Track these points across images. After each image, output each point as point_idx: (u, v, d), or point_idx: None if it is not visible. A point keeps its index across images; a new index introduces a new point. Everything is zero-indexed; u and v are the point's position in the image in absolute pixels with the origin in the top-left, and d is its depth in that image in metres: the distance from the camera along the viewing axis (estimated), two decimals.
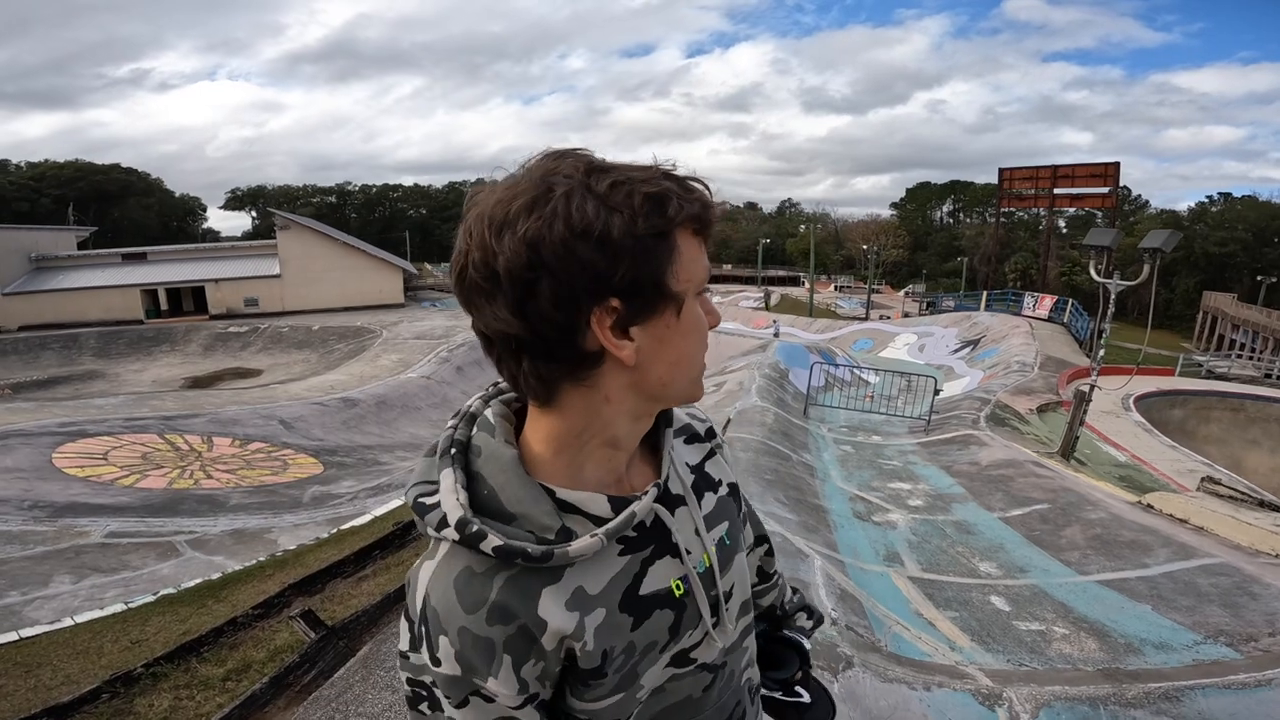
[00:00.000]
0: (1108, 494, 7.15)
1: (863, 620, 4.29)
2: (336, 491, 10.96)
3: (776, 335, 26.97)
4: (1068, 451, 9.20)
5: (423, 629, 0.68)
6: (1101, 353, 9.66)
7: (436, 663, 0.67)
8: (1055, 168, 36.22)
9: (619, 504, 0.72)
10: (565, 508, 0.70)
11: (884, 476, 8.44)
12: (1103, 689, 3.37)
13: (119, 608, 5.39)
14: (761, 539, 1.10)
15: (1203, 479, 8.05)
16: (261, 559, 6.79)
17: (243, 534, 8.50)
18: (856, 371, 16.56)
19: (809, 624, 1.16)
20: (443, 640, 0.66)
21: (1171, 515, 6.30)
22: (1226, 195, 68.35)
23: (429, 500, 0.70)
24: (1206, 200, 69.49)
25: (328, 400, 16.77)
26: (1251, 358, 31.29)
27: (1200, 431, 15.54)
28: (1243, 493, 7.28)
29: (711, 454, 0.91)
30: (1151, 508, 6.56)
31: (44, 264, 35.46)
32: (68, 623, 5.10)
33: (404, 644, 0.71)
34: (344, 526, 8.00)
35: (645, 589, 0.74)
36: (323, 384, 19.23)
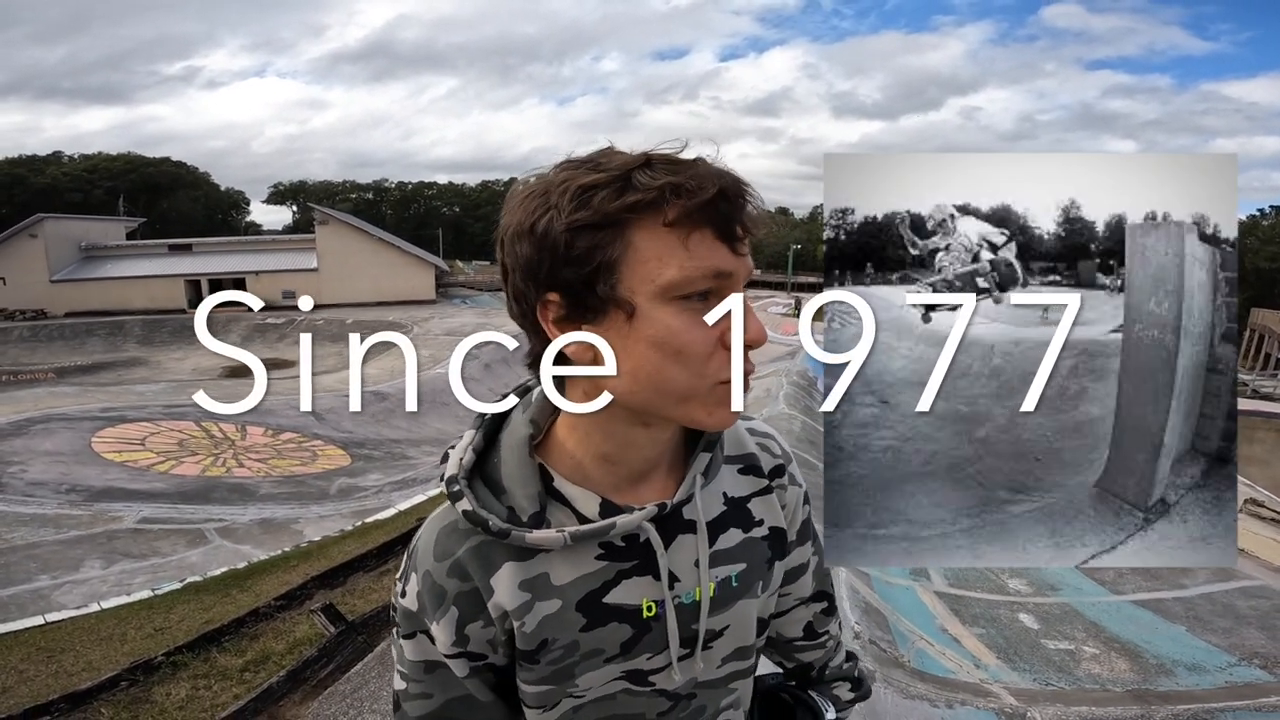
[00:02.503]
0: None
1: (886, 635, 4.20)
2: (363, 484, 11.10)
3: None
4: None
5: (408, 563, 0.75)
6: None
7: (403, 594, 0.75)
8: None
9: (609, 510, 0.72)
10: (555, 496, 0.72)
11: None
12: (1131, 710, 3.31)
13: (145, 594, 5.49)
14: (821, 595, 0.99)
15: (1245, 500, 7.79)
16: (286, 549, 6.89)
17: (270, 524, 8.63)
18: None
19: (849, 695, 1.03)
20: (413, 577, 0.74)
21: None
22: (1278, 209, 65.94)
23: (451, 454, 0.75)
24: (1257, 213, 67.05)
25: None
26: None
27: (1243, 452, 14.90)
28: None
29: (766, 492, 0.85)
30: None
31: (93, 253, 36.64)
32: (94, 608, 5.19)
33: (400, 572, 0.78)
34: (368, 519, 8.09)
35: (611, 598, 0.73)
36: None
